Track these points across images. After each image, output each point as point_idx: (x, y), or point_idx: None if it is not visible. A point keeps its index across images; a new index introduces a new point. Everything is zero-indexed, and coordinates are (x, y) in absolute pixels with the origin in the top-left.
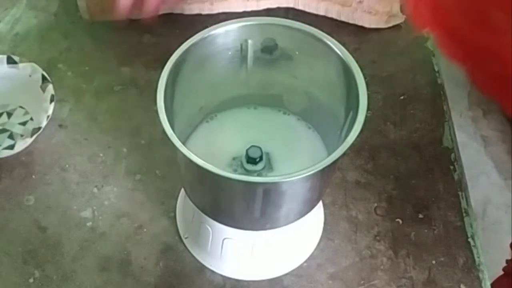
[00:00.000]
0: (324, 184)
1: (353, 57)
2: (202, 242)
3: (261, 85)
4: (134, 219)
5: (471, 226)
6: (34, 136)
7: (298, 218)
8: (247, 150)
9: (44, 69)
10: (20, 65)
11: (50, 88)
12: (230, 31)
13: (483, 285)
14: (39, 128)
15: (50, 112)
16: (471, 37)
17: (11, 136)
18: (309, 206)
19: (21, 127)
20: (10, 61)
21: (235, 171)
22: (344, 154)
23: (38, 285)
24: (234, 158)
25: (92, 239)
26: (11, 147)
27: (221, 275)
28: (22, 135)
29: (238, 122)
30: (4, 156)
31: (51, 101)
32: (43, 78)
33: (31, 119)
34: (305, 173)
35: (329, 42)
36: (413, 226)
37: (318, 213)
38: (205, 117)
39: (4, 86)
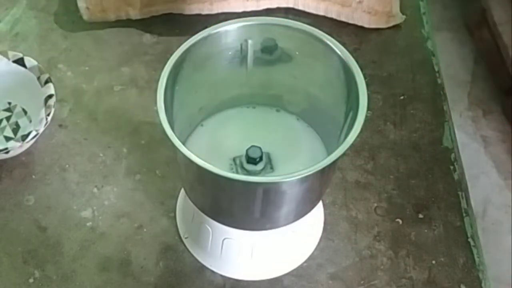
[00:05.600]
0: (324, 184)
1: (353, 57)
2: (202, 242)
3: (261, 85)
4: (134, 219)
5: (471, 226)
6: (34, 137)
7: (298, 218)
8: (247, 150)
9: (44, 69)
10: (26, 64)
11: (50, 88)
12: (230, 31)
13: (483, 285)
14: (39, 128)
15: (50, 112)
16: None
17: (9, 137)
18: (309, 206)
19: (20, 127)
20: (14, 60)
21: (235, 171)
22: (344, 154)
23: (38, 285)
24: (234, 158)
25: (92, 239)
26: (10, 148)
27: (221, 275)
28: (21, 136)
29: (238, 122)
30: (4, 157)
31: (51, 101)
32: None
33: (31, 119)
34: (305, 173)
35: (329, 42)
36: (413, 226)
37: (318, 213)
38: (205, 117)
39: (4, 85)
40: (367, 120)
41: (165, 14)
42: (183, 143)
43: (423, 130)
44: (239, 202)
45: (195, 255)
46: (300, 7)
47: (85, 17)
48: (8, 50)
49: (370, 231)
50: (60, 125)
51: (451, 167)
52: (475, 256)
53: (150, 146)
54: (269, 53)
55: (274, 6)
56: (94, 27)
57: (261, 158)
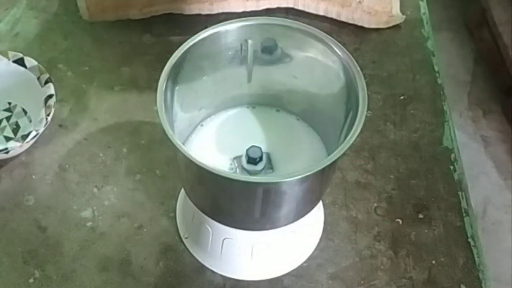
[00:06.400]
0: (324, 184)
1: (353, 57)
2: (202, 242)
3: (261, 85)
4: (134, 219)
5: (471, 226)
6: (34, 137)
7: (298, 218)
8: (247, 150)
9: (44, 69)
10: (27, 64)
11: (50, 88)
12: (230, 31)
13: (483, 285)
14: (39, 129)
15: (50, 112)
16: None
17: (9, 137)
18: (309, 206)
19: (20, 127)
20: (14, 60)
21: (235, 171)
22: (344, 154)
23: (38, 285)
24: (234, 158)
25: (92, 239)
26: (10, 148)
27: (221, 275)
28: (21, 136)
29: (238, 122)
30: (4, 157)
31: (51, 101)
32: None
33: (31, 119)
34: (305, 173)
35: (329, 42)
36: (413, 226)
37: (318, 213)
38: (205, 117)
39: (4, 85)
40: (367, 120)
41: (165, 14)
42: (183, 143)
43: (423, 130)
44: (239, 202)
45: (195, 255)
46: (300, 7)
47: (85, 17)
48: (8, 50)
49: (370, 231)
50: (60, 125)
51: (451, 167)
52: (475, 256)
53: (150, 146)
54: (269, 53)
55: (274, 6)
56: (94, 27)
57: (261, 158)
